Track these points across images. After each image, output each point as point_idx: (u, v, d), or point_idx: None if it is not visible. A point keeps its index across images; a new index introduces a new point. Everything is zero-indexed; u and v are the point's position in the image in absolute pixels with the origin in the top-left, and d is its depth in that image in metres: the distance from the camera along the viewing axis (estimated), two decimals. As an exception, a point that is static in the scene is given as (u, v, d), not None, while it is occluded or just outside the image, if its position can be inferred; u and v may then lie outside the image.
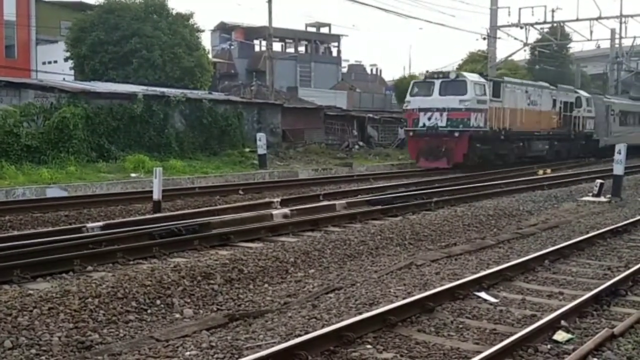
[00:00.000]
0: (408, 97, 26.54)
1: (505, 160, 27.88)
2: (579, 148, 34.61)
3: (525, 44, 40.22)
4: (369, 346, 5.72)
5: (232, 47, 53.88)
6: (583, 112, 34.05)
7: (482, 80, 26.36)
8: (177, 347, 5.73)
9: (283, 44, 58.11)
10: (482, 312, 6.82)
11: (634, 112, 41.41)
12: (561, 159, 31.97)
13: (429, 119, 25.36)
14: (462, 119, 25.04)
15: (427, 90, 25.72)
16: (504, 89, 27.32)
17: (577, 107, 33.40)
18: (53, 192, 16.45)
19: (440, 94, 25.35)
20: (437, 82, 25.53)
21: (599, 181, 17.30)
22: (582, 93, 34.77)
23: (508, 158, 28.19)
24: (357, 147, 33.86)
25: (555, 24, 39.85)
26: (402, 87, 41.80)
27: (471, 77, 26.10)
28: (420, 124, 25.65)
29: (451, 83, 25.40)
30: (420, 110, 25.71)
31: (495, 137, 26.77)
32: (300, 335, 5.75)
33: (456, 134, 24.86)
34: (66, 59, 34.16)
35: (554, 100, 31.57)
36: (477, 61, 45.49)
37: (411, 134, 26.33)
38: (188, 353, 5.56)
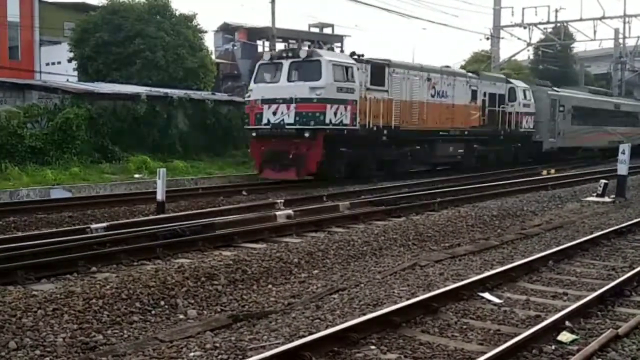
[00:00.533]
0: (251, 84, 20.20)
1: (394, 169, 22.03)
2: (513, 152, 28.53)
3: (529, 44, 40.32)
4: (372, 347, 5.72)
5: (235, 47, 53.87)
6: (519, 107, 28.08)
7: (349, 60, 19.83)
8: (181, 347, 5.73)
9: (286, 44, 58.16)
10: (486, 312, 6.81)
11: (594, 109, 34.44)
12: (487, 165, 26.18)
13: (274, 113, 19.00)
14: (314, 114, 18.62)
15: (274, 75, 19.50)
16: (391, 74, 21.13)
17: (510, 100, 27.53)
18: (57, 193, 16.50)
19: (288, 80, 19.09)
20: (286, 64, 19.16)
21: (603, 181, 17.27)
22: (518, 83, 28.88)
23: (399, 166, 22.35)
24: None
25: (558, 24, 39.88)
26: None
27: (329, 55, 19.79)
28: (264, 121, 19.22)
29: (302, 64, 19.05)
30: (264, 101, 19.29)
31: (374, 138, 20.61)
32: (304, 336, 5.74)
33: (306, 134, 18.45)
34: (70, 60, 34.20)
35: (474, 92, 25.58)
36: (480, 61, 45.44)
37: (254, 134, 19.74)
38: (192, 354, 5.56)
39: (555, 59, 46.55)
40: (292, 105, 18.69)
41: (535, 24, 38.21)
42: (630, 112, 39.47)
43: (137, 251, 9.28)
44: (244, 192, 16.88)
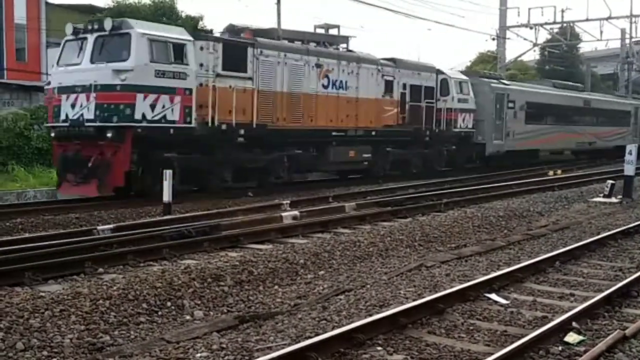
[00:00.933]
0: (53, 67, 15.80)
1: (265, 179, 17.69)
2: (446, 156, 24.03)
3: (535, 44, 40.21)
4: (379, 348, 5.72)
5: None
6: (452, 103, 23.60)
7: (179, 36, 15.15)
8: (188, 348, 5.74)
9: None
10: (492, 313, 6.80)
11: (555, 105, 30.08)
12: (408, 172, 22.10)
13: (73, 106, 14.35)
14: (118, 106, 14.01)
15: (78, 55, 14.76)
16: (258, 57, 16.73)
17: (442, 94, 23.31)
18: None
19: (92, 61, 14.43)
20: (91, 39, 14.53)
21: (610, 182, 17.22)
22: (452, 74, 24.52)
23: (273, 175, 17.85)
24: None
25: (564, 24, 39.77)
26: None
27: (146, 27, 14.76)
28: (62, 116, 14.55)
29: (110, 40, 14.45)
30: (62, 90, 14.66)
31: (225, 140, 16.08)
32: (310, 337, 5.74)
33: (109, 134, 13.91)
34: (76, 62, 34.31)
35: (389, 83, 21.08)
36: (486, 62, 45.39)
37: (52, 133, 15.27)
38: (199, 355, 5.57)
39: (561, 59, 46.45)
40: (92, 95, 14.04)
41: (541, 24, 38.12)
42: (605, 109, 34.99)
43: (144, 252, 9.30)
44: (249, 193, 16.90)
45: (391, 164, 21.67)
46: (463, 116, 24.24)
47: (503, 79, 28.71)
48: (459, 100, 24.03)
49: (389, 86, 21.08)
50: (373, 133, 20.51)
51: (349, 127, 19.65)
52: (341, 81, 19.34)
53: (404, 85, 21.73)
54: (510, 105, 26.63)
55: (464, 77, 24.99)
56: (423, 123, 22.47)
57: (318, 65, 18.58)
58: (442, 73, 23.74)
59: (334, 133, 19.11)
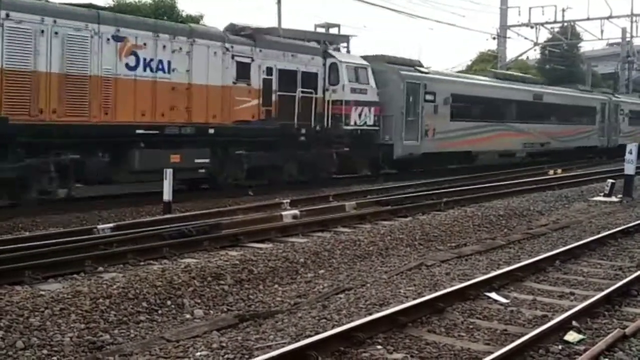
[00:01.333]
0: None
1: (16, 198, 13.00)
2: (335, 160, 19.25)
3: (536, 44, 40.28)
4: (379, 347, 5.72)
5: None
6: (344, 93, 18.99)
7: None
8: (188, 347, 5.75)
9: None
10: (492, 312, 6.80)
11: (493, 99, 25.13)
12: (280, 181, 17.63)
13: None
14: None
15: None
16: None
17: (331, 83, 18.91)
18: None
19: None
20: None
21: (610, 181, 17.22)
22: (343, 58, 19.66)
23: (28, 191, 12.92)
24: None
25: (565, 24, 39.79)
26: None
27: None
28: None
29: None
30: None
31: None
32: (310, 336, 5.75)
33: None
34: (76, 61, 34.25)
35: (244, 66, 16.47)
36: (487, 61, 45.38)
37: None
38: (199, 353, 5.57)
39: (562, 58, 46.43)
40: None
41: (542, 24, 38.20)
42: (563, 104, 30.22)
43: (144, 251, 9.31)
44: (250, 192, 16.90)
45: (248, 171, 16.86)
46: (360, 110, 19.55)
47: (420, 66, 23.25)
48: (354, 90, 19.33)
49: (244, 70, 16.44)
50: (211, 131, 15.62)
51: (173, 122, 14.88)
52: (161, 61, 14.59)
53: (269, 70, 17.10)
54: (429, 97, 21.83)
55: (362, 61, 20.19)
56: (296, 118, 17.75)
57: (117, 38, 13.80)
58: (331, 56, 19.23)
59: (139, 131, 14.21)
